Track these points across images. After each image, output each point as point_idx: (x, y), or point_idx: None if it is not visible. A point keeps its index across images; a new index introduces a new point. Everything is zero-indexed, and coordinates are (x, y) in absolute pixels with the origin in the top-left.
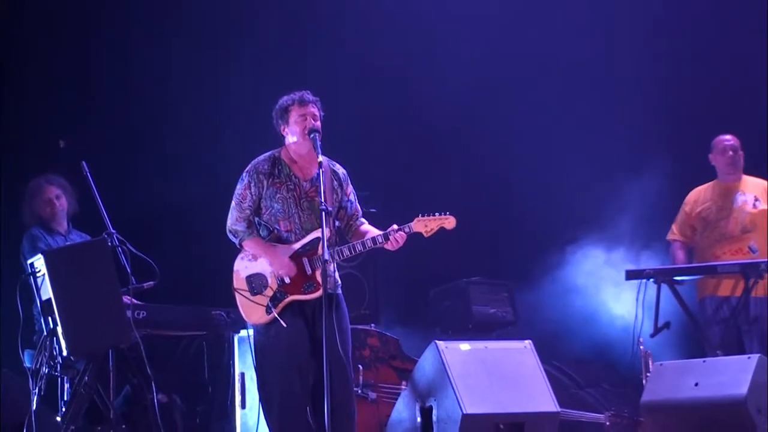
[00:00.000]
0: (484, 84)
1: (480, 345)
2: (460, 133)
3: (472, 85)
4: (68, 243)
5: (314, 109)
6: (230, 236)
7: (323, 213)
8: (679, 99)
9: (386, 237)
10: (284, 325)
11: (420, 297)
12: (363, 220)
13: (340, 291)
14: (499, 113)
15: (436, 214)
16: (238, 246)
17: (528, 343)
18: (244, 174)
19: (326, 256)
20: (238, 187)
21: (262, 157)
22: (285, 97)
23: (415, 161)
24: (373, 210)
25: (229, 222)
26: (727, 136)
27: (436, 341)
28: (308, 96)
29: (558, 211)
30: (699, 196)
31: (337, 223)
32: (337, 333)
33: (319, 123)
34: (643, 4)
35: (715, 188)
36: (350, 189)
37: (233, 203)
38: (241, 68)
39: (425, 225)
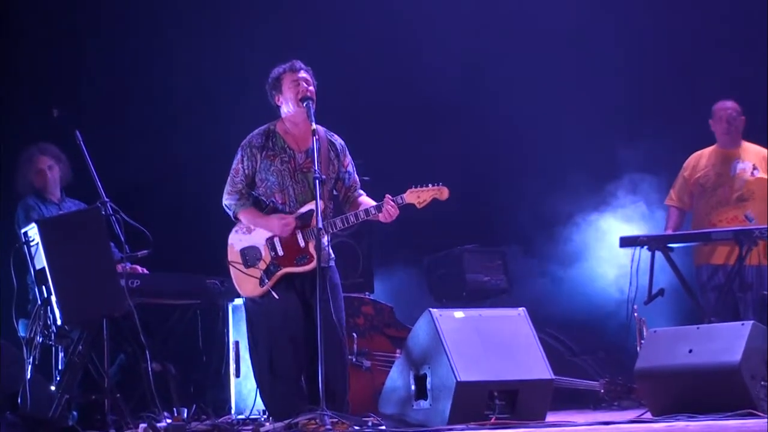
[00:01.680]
0: (480, 52)
1: (474, 313)
2: (455, 102)
3: (468, 52)
4: (62, 212)
5: (306, 75)
6: (226, 210)
7: (317, 182)
8: (678, 61)
9: (379, 208)
10: (276, 297)
11: (414, 265)
12: (361, 191)
13: (333, 264)
14: (494, 81)
15: (429, 185)
16: (233, 219)
17: (522, 310)
18: (238, 149)
19: (320, 225)
20: (234, 161)
21: (256, 131)
22: (276, 67)
23: (411, 129)
24: (367, 178)
25: (224, 197)
26: (728, 103)
27: (430, 309)
28: (299, 63)
29: (552, 178)
30: (698, 161)
31: (335, 193)
32: (331, 303)
33: (312, 89)
34: None
35: (714, 154)
36: (348, 160)
37: (229, 177)
38: (234, 33)
39: (418, 196)
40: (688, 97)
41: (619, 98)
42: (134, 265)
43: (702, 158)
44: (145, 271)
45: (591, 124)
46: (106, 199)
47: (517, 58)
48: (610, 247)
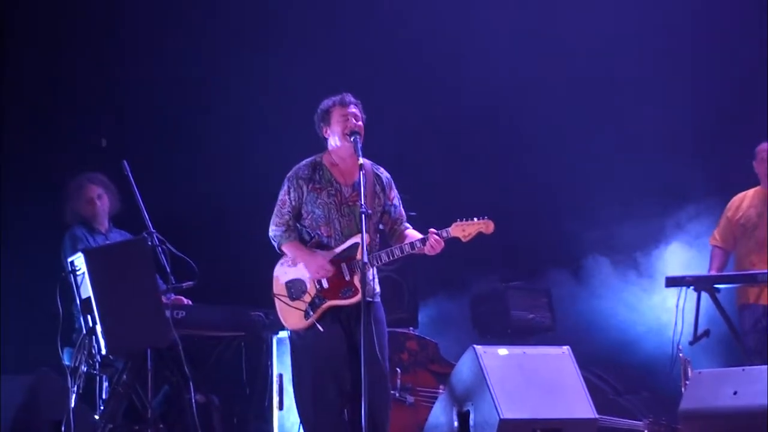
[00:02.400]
0: (524, 85)
1: (518, 350)
2: (501, 137)
3: (513, 87)
4: (108, 242)
5: (356, 110)
6: (271, 241)
7: (363, 216)
8: (723, 96)
9: (424, 242)
10: (321, 330)
11: (459, 300)
12: (407, 225)
13: (378, 299)
14: (537, 115)
15: (475, 218)
16: (278, 250)
17: (566, 349)
18: (285, 180)
19: (365, 259)
20: (280, 192)
21: (303, 162)
22: (326, 100)
23: (457, 165)
24: (413, 213)
25: (270, 228)
26: None
27: (475, 345)
28: (349, 97)
29: (597, 216)
30: (741, 202)
31: (380, 227)
32: (375, 338)
33: (360, 124)
34: None
35: (757, 195)
36: (394, 193)
37: (275, 208)
38: (282, 68)
39: (463, 229)
40: (737, 133)
41: (663, 128)
42: (179, 296)
43: (745, 199)
44: (190, 302)
45: (647, 160)
46: (153, 230)
47: (560, 90)
48: (657, 287)
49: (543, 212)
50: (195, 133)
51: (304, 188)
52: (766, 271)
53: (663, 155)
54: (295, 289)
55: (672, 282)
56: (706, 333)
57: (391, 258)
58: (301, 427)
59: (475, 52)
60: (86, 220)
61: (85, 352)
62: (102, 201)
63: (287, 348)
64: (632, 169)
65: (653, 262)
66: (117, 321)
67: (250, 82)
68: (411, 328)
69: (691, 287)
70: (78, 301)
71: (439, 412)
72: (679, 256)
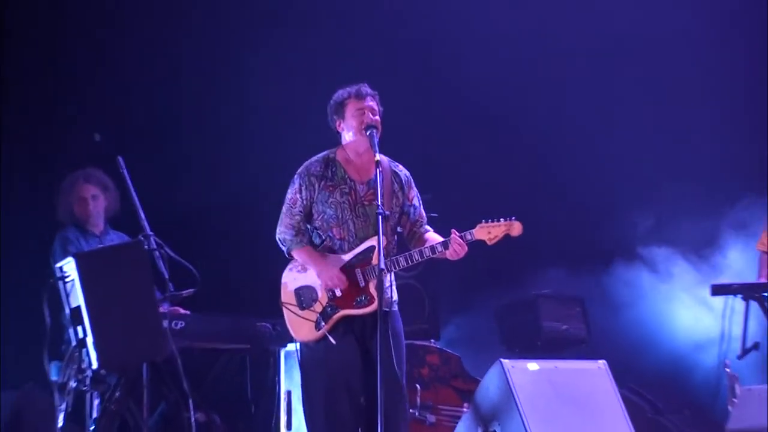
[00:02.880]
0: (558, 80)
1: (549, 364)
2: (527, 135)
3: (545, 81)
4: (102, 245)
5: (372, 103)
6: (279, 244)
7: (380, 217)
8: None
9: (446, 245)
10: (333, 342)
11: (485, 310)
12: (428, 227)
13: (396, 308)
14: (568, 114)
15: (501, 219)
16: (287, 255)
17: (602, 363)
18: (295, 177)
19: (382, 265)
20: (289, 191)
21: (315, 158)
22: (341, 91)
23: (481, 162)
24: (435, 215)
25: (278, 229)
26: None
27: (502, 360)
28: (366, 89)
29: (633, 218)
30: None
31: (399, 229)
32: (393, 352)
33: (378, 118)
34: None
35: None
36: (413, 193)
37: (283, 209)
38: (291, 61)
39: (488, 231)
40: None
41: (708, 133)
42: (175, 307)
43: None
44: (188, 312)
45: (678, 164)
46: (150, 233)
47: (596, 87)
48: (701, 296)
49: (575, 214)
50: (197, 128)
51: (316, 185)
52: None
53: (714, 154)
54: (305, 297)
55: (718, 290)
56: (756, 346)
57: (410, 263)
58: None
59: (496, 50)
60: (79, 222)
61: (75, 367)
62: (97, 202)
63: (296, 362)
64: (679, 168)
65: (699, 268)
66: (110, 332)
67: (257, 74)
68: (432, 341)
69: (739, 296)
70: (67, 311)
71: None
72: (732, 262)
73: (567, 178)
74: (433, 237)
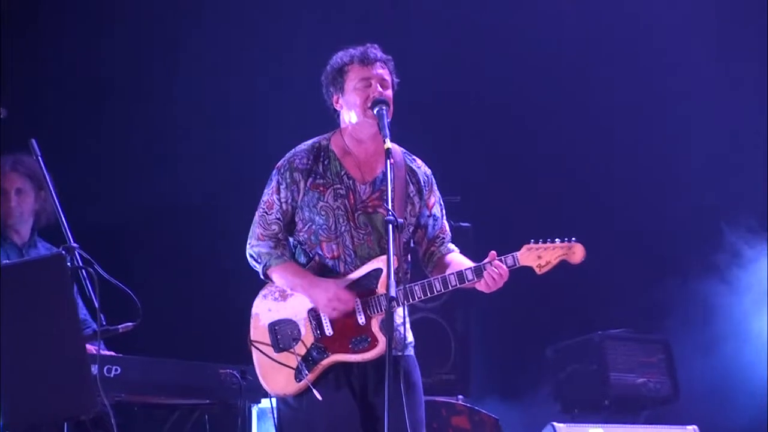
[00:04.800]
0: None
1: (621, 430)
2: (594, 130)
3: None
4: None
5: (383, 71)
6: (251, 261)
7: (390, 227)
8: None
9: (479, 272)
10: (319, 398)
11: (533, 356)
12: (452, 246)
13: (411, 352)
14: (645, 121)
15: (557, 240)
16: (261, 276)
17: (693, 429)
18: (273, 172)
19: (392, 293)
20: (265, 191)
21: (301, 146)
22: (341, 53)
23: (526, 157)
24: (465, 224)
25: (249, 243)
26: None
27: (554, 424)
28: (375, 51)
29: (733, 236)
30: None
31: (412, 245)
32: (406, 412)
33: (390, 93)
34: None
35: None
36: (434, 198)
37: (256, 215)
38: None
39: (539, 256)
40: None
41: None
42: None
43: None
44: (105, 350)
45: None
46: (74, 244)
47: (656, 93)
48: None
49: (655, 232)
50: (143, 108)
51: (301, 184)
52: None
53: None
54: (282, 335)
55: None
56: None
57: (429, 294)
58: None
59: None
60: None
61: None
62: (22, 198)
63: (272, 424)
64: None
65: None
66: (18, 380)
67: (217, 43)
68: (460, 397)
69: None
70: None
71: None
72: None
73: (644, 183)
74: (459, 260)
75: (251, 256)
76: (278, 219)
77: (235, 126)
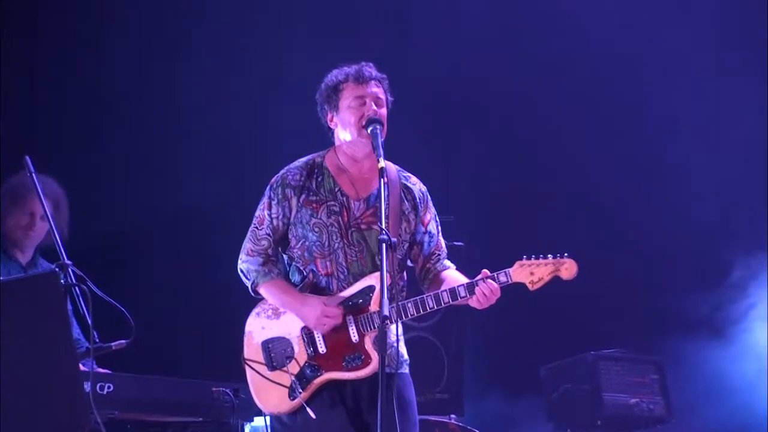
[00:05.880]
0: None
1: None
2: (578, 140)
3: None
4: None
5: (377, 90)
6: (242, 278)
7: (383, 245)
8: None
9: (471, 289)
10: (313, 416)
11: (526, 376)
12: (448, 263)
13: (406, 369)
14: (643, 139)
15: (549, 256)
16: (251, 293)
17: None
18: (266, 188)
19: (386, 311)
20: (258, 207)
21: (294, 163)
22: (335, 71)
23: (518, 176)
24: (458, 243)
25: (240, 257)
26: None
27: None
28: (369, 70)
29: (729, 255)
30: None
31: (408, 263)
32: (400, 429)
33: (384, 111)
34: None
35: None
36: (430, 215)
37: (249, 231)
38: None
39: (531, 272)
40: None
41: None
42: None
43: None
44: (98, 369)
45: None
46: (68, 261)
47: (656, 103)
48: None
49: (648, 249)
50: (137, 123)
51: (294, 201)
52: None
53: None
54: (276, 353)
55: None
56: None
57: (422, 311)
58: None
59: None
60: (6, 241)
61: None
62: (45, 223)
63: None
64: None
65: None
66: (9, 399)
67: (217, 51)
68: (452, 416)
69: None
70: None
71: None
72: None
73: (638, 202)
74: (454, 277)
75: (241, 271)
76: (268, 234)
77: (234, 142)
